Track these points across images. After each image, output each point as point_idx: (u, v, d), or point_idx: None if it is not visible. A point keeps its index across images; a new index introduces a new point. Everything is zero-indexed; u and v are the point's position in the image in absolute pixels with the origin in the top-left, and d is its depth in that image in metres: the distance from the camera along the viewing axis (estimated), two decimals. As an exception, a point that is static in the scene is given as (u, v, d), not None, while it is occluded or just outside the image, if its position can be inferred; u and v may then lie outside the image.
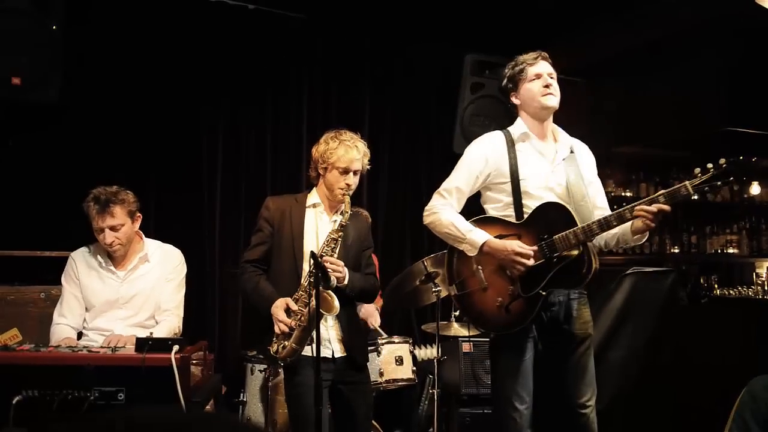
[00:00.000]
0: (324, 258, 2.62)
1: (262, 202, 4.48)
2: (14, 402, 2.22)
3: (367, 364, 2.96)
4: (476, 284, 2.65)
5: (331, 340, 2.74)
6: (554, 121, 2.79)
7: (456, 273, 2.72)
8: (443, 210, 2.69)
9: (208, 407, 3.32)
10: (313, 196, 2.86)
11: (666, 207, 2.41)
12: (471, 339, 3.92)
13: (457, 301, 2.76)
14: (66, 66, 3.61)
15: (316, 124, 4.55)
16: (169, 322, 2.94)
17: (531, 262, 2.51)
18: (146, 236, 3.12)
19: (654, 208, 2.42)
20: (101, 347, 2.52)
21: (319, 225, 2.80)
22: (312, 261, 2.39)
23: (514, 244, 2.53)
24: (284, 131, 4.58)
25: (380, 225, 4.68)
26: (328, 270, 2.56)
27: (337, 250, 2.70)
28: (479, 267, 2.63)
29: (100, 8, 3.96)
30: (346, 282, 2.68)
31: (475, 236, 2.60)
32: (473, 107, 4.89)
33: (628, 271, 3.93)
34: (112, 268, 2.95)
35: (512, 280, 2.57)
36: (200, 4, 4.27)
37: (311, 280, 2.46)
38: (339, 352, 2.74)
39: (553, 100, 2.67)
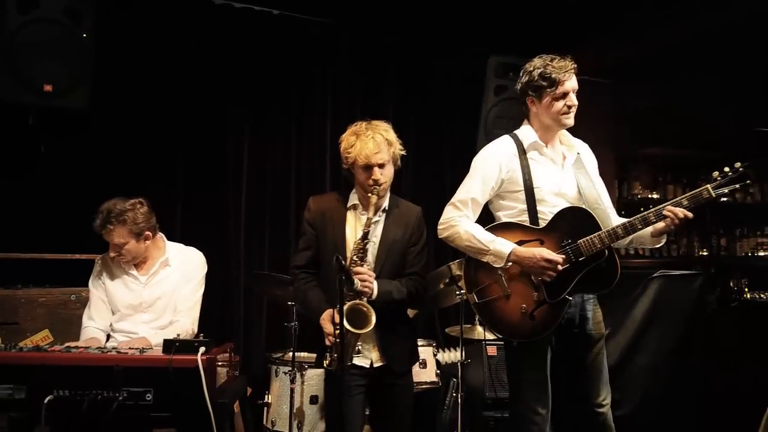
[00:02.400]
0: (354, 270, 2.48)
1: (286, 204, 4.60)
2: (46, 401, 2.27)
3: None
4: (498, 291, 2.61)
5: (369, 349, 2.62)
6: (578, 124, 2.77)
7: (476, 281, 2.66)
8: (461, 222, 2.64)
9: (233, 408, 3.37)
10: (353, 197, 2.70)
11: (690, 215, 2.43)
12: (495, 342, 3.91)
13: (477, 310, 2.67)
14: (96, 73, 3.69)
15: (340, 127, 4.54)
16: (181, 324, 2.95)
17: (560, 268, 2.50)
18: (172, 238, 3.17)
19: (680, 212, 2.43)
20: (130, 348, 2.57)
21: (358, 228, 2.61)
22: (336, 265, 2.32)
23: (543, 251, 2.51)
24: (309, 134, 4.62)
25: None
26: (358, 287, 2.44)
27: (366, 258, 2.56)
28: (501, 274, 2.60)
29: (128, 17, 4.05)
30: (374, 296, 2.51)
31: (500, 246, 2.56)
32: (497, 109, 4.86)
33: (654, 275, 3.87)
34: (135, 272, 3.00)
35: (536, 286, 2.55)
36: (226, 10, 4.34)
37: (343, 288, 2.38)
38: (377, 361, 2.63)
39: (571, 121, 2.67)
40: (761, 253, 5.50)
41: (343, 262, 2.35)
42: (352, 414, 2.56)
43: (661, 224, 2.49)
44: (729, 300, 4.86)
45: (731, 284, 5.24)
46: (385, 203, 2.69)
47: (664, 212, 2.45)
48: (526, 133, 2.72)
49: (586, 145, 2.84)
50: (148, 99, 4.11)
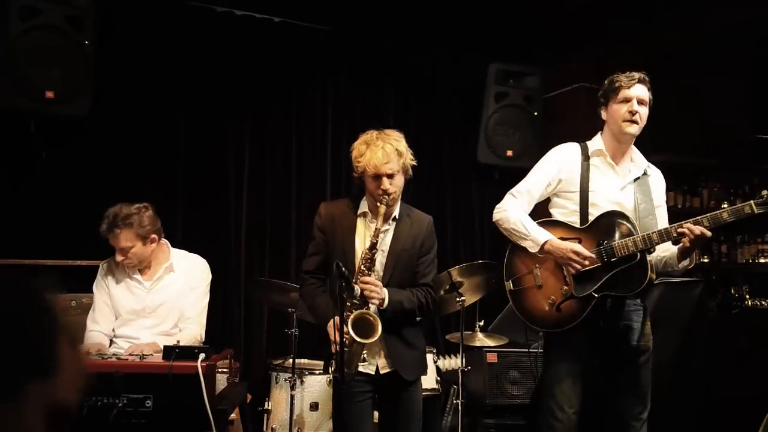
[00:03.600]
0: (361, 279, 2.49)
1: (287, 211, 4.60)
2: (45, 408, 2.27)
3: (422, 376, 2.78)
4: (531, 281, 2.75)
5: (374, 356, 2.60)
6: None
7: (513, 269, 2.82)
8: (512, 209, 2.79)
9: (233, 415, 3.36)
10: (364, 204, 2.69)
11: (707, 233, 2.44)
12: (496, 349, 3.90)
13: (510, 297, 2.82)
14: (97, 81, 3.71)
15: (341, 134, 4.60)
16: (190, 331, 2.97)
17: (587, 263, 2.59)
18: (173, 245, 3.17)
19: (697, 230, 2.45)
20: (130, 354, 2.57)
21: (367, 236, 2.60)
22: (336, 271, 2.33)
23: (574, 245, 2.63)
24: (309, 141, 4.63)
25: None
26: (365, 292, 2.45)
27: (376, 265, 2.56)
28: (537, 265, 2.74)
29: (129, 24, 4.06)
30: (385, 305, 2.51)
31: (539, 234, 2.70)
32: (497, 116, 4.89)
33: (655, 281, 3.86)
34: (139, 277, 3.01)
35: (566, 280, 2.64)
36: (227, 18, 4.36)
37: (354, 302, 2.42)
38: (384, 367, 2.61)
39: (635, 129, 2.71)
40: (762, 260, 5.48)
41: (343, 268, 2.35)
42: (356, 420, 2.55)
43: (681, 245, 2.52)
44: (730, 307, 4.84)
45: (732, 291, 5.23)
46: (396, 212, 2.69)
47: (679, 230, 2.48)
48: (594, 141, 2.83)
49: (659, 172, 2.90)
50: (148, 106, 4.13)
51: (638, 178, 2.76)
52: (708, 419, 3.76)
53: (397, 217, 2.68)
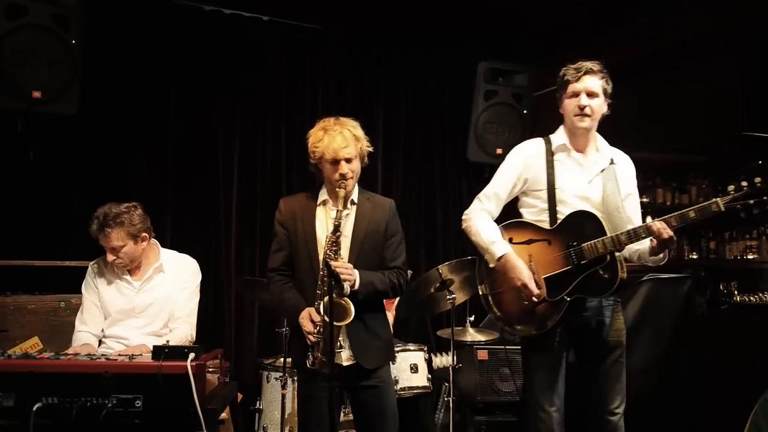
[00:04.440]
0: (332, 265, 2.46)
1: (276, 208, 4.55)
2: (34, 409, 2.26)
3: (387, 365, 2.74)
4: (505, 285, 2.70)
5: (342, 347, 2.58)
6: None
7: (487, 273, 2.78)
8: (477, 216, 2.77)
9: (224, 414, 3.36)
10: (323, 193, 2.71)
11: (674, 237, 2.43)
12: (486, 346, 3.92)
13: (484, 301, 2.81)
14: (84, 79, 3.68)
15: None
16: (181, 331, 2.96)
17: (534, 299, 2.57)
18: (163, 245, 3.16)
19: (665, 234, 2.43)
20: (119, 354, 2.56)
21: (328, 223, 2.61)
22: (325, 270, 2.33)
23: (525, 276, 2.59)
24: (299, 138, 4.59)
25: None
26: (340, 276, 2.45)
27: (341, 251, 2.55)
28: None
29: (116, 23, 4.04)
30: (356, 286, 2.52)
31: (495, 249, 2.66)
32: (487, 114, 4.90)
33: (644, 278, 3.89)
34: (128, 278, 3.00)
35: (539, 284, 2.62)
36: (216, 16, 4.35)
37: (324, 288, 2.41)
38: (346, 360, 2.58)
39: (586, 122, 2.68)
40: (751, 256, 5.53)
41: (332, 266, 2.35)
42: (316, 421, 2.52)
43: (652, 243, 2.51)
44: (719, 303, 4.88)
45: (721, 287, 5.26)
46: (354, 195, 2.69)
47: (648, 231, 2.46)
48: (557, 136, 2.79)
49: (627, 157, 2.85)
50: (137, 105, 4.11)
51: (604, 168, 2.72)
52: (696, 415, 3.79)
53: (355, 200, 2.69)
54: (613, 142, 2.87)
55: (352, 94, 4.81)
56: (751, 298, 4.69)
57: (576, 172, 2.72)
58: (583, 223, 2.59)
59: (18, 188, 3.81)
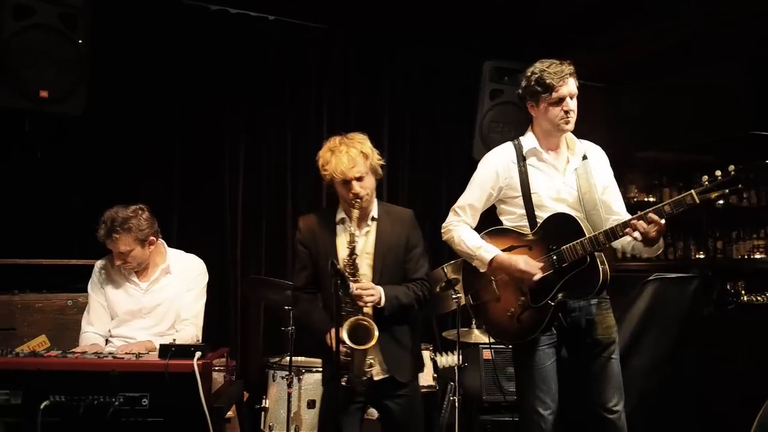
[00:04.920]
0: (353, 285, 2.48)
1: (283, 208, 4.60)
2: (42, 407, 2.27)
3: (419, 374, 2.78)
4: (490, 294, 2.71)
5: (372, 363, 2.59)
6: (580, 128, 2.77)
7: (471, 283, 2.80)
8: (456, 227, 2.76)
9: (230, 413, 3.37)
10: (340, 211, 2.71)
11: (659, 220, 2.34)
12: (492, 346, 3.91)
13: (471, 311, 2.81)
14: (91, 79, 3.70)
15: (335, 130, 4.58)
16: (187, 332, 2.97)
17: (537, 276, 2.55)
18: (169, 243, 3.17)
19: (636, 233, 2.37)
20: (126, 353, 2.57)
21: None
22: (331, 270, 2.32)
23: (520, 261, 2.57)
24: (304, 138, 4.62)
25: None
26: (357, 294, 2.46)
27: (359, 272, 2.56)
28: (493, 278, 2.70)
29: (123, 22, 4.05)
30: (382, 303, 2.53)
31: (484, 253, 2.66)
32: (492, 114, 4.89)
33: (650, 278, 3.88)
34: (135, 279, 3.00)
35: (523, 291, 2.61)
36: (222, 16, 4.36)
37: (349, 309, 2.44)
38: (378, 374, 2.59)
39: (571, 125, 2.66)
40: (757, 256, 5.51)
41: (338, 266, 2.35)
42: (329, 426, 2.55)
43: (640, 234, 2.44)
44: (725, 303, 4.87)
45: (728, 287, 5.25)
46: (374, 211, 2.70)
47: (626, 230, 2.40)
48: (527, 139, 2.75)
49: (598, 148, 2.81)
50: (143, 104, 4.12)
51: (577, 167, 2.69)
52: (702, 414, 3.78)
53: (375, 216, 2.69)
54: (618, 142, 2.86)
55: (357, 93, 4.82)
56: (758, 298, 4.68)
57: (549, 174, 2.69)
58: (562, 226, 2.55)
59: (25, 187, 3.82)
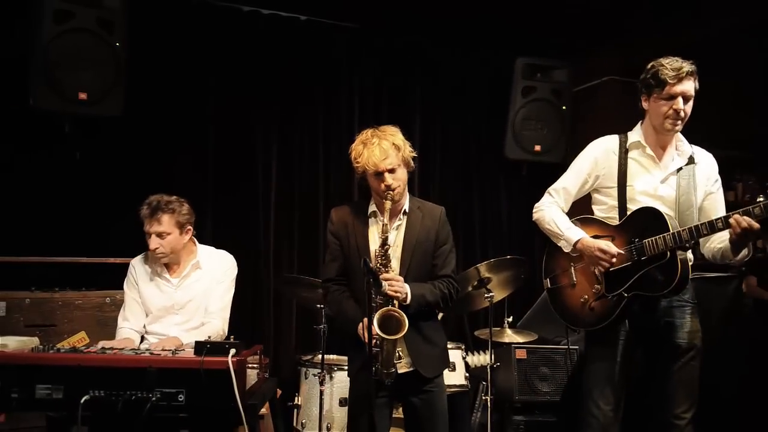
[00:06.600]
0: (382, 276, 2.47)
1: (315, 207, 4.63)
2: (82, 402, 2.33)
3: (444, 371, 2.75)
4: (567, 280, 2.77)
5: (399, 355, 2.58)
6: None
7: (551, 267, 2.86)
8: (548, 208, 2.81)
9: (263, 410, 3.40)
10: (372, 204, 2.70)
11: (755, 225, 2.32)
12: (525, 346, 3.88)
13: (548, 294, 2.87)
14: (128, 80, 3.78)
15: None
16: (212, 326, 3.00)
17: (614, 260, 2.57)
18: (203, 240, 3.22)
19: (744, 222, 2.33)
20: (162, 350, 2.61)
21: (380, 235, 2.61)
22: (364, 269, 2.31)
23: (602, 243, 2.61)
24: (336, 137, 4.65)
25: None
26: (388, 290, 2.45)
27: (390, 264, 2.55)
28: (572, 264, 2.76)
29: (159, 25, 4.13)
30: (408, 301, 2.51)
31: (571, 234, 2.70)
32: (524, 111, 4.85)
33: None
34: (167, 275, 3.06)
35: (599, 279, 2.63)
36: (254, 17, 4.40)
37: (379, 301, 2.44)
38: (403, 367, 2.58)
39: (678, 127, 2.62)
40: (798, 254, 5.34)
41: (370, 264, 2.35)
42: (376, 426, 2.51)
43: (732, 236, 2.41)
44: (766, 302, 4.74)
45: None
46: (405, 205, 2.69)
47: (730, 220, 2.37)
48: (634, 132, 2.74)
49: (709, 155, 2.76)
50: (179, 104, 4.19)
51: (682, 168, 2.65)
52: (743, 413, 3.69)
53: (407, 210, 2.68)
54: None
55: (388, 92, 4.82)
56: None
57: (650, 170, 2.67)
58: (647, 220, 2.55)
59: (65, 188, 3.92)
